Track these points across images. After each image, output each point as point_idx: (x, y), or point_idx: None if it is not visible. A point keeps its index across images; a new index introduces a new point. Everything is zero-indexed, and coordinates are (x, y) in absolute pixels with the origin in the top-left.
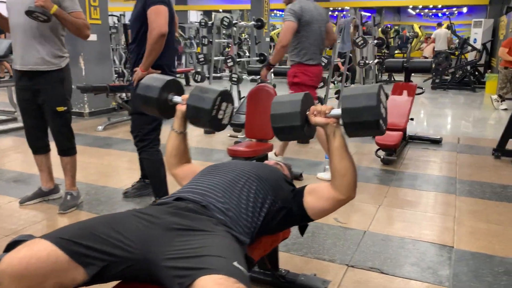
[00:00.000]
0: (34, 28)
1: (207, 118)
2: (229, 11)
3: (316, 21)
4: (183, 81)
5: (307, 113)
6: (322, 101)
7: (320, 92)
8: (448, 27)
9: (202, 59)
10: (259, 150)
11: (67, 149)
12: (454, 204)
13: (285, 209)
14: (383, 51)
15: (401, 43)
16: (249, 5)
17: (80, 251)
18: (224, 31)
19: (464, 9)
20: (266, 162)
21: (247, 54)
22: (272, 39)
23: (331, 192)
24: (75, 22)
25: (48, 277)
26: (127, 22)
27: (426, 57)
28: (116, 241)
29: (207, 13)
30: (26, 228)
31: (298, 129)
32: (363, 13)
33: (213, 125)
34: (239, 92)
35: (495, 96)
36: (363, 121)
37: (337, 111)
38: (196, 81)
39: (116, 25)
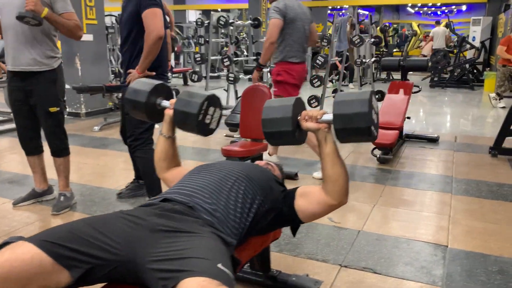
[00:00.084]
0: (25, 29)
1: (194, 123)
2: (227, 11)
3: (300, 19)
4: (181, 81)
5: (298, 118)
6: (319, 100)
7: (317, 91)
8: (447, 25)
9: (199, 58)
10: (253, 150)
11: (60, 150)
12: (450, 203)
13: (275, 210)
14: (381, 50)
15: (400, 41)
16: (247, 4)
17: (65, 254)
18: (222, 31)
19: (463, 7)
20: (257, 162)
21: (245, 53)
22: None
23: (323, 196)
24: (66, 24)
25: (31, 280)
26: None
27: (424, 56)
28: (101, 243)
29: (206, 13)
30: (19, 230)
31: (289, 135)
32: (361, 11)
33: (200, 130)
34: (236, 92)
35: (493, 94)
36: (354, 127)
37: (329, 116)
38: (193, 80)
39: (113, 25)
